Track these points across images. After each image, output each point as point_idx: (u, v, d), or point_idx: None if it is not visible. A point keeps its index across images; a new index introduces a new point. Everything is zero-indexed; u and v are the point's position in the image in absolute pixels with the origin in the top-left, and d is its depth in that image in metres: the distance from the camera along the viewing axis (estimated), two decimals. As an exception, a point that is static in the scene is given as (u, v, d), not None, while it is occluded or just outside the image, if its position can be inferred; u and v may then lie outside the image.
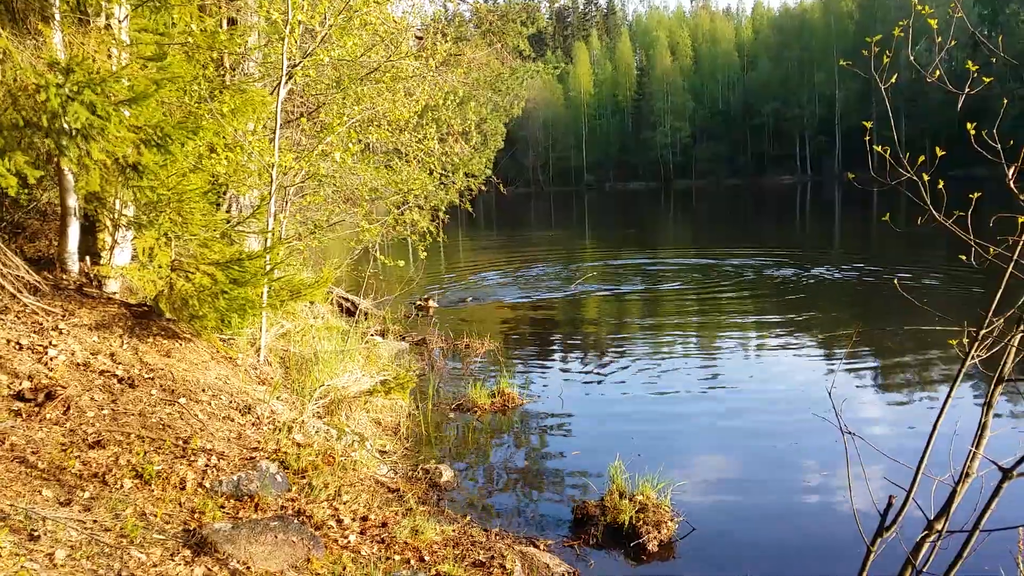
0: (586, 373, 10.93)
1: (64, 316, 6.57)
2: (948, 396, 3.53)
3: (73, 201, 7.22)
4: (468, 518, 5.92)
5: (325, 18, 9.08)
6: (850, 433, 3.69)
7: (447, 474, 6.96)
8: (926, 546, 3.54)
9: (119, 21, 7.26)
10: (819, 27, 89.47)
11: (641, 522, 5.87)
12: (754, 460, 7.54)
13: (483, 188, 17.08)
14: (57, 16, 6.88)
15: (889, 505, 3.57)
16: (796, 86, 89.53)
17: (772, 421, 8.58)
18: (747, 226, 38.73)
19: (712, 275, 19.93)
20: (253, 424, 6.41)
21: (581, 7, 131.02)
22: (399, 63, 11.69)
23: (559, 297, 17.48)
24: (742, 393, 9.64)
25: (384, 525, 5.29)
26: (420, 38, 15.13)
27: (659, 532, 5.84)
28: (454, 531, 5.48)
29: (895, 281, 4.57)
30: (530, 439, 8.35)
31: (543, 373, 11.02)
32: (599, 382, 10.44)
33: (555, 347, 12.85)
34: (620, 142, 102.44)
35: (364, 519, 5.35)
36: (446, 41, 13.95)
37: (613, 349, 12.32)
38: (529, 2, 23.19)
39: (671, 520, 5.96)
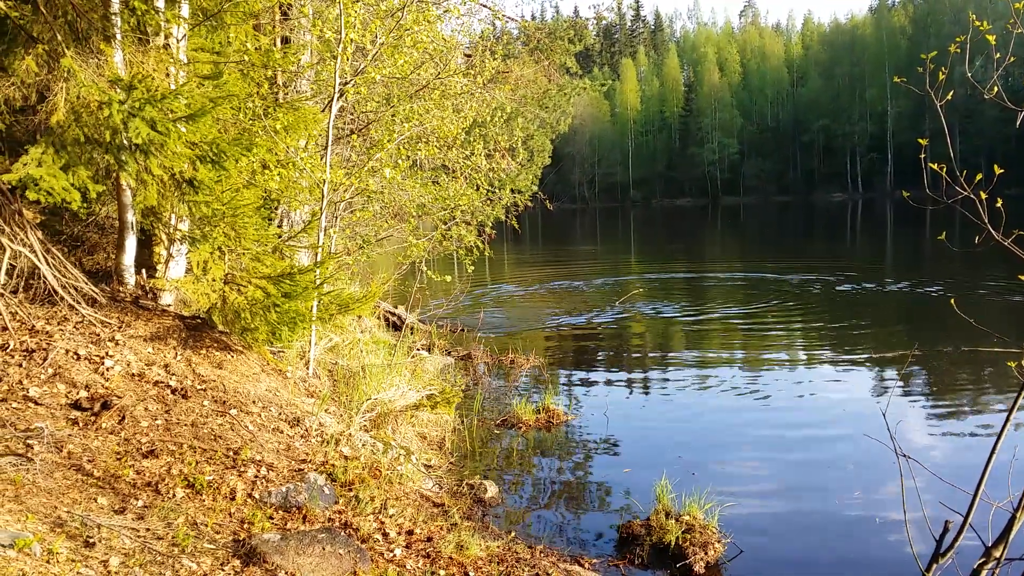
0: (631, 390, 10.86)
1: (120, 327, 6.73)
2: (1007, 419, 3.44)
3: (131, 215, 7.41)
4: (513, 534, 5.91)
5: (376, 37, 9.22)
6: (905, 456, 3.62)
7: (492, 490, 6.96)
8: (983, 573, 3.45)
9: (177, 40, 7.45)
10: (871, 42, 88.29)
11: (687, 543, 5.80)
12: (803, 481, 7.40)
13: (529, 204, 17.11)
14: (118, 36, 7.08)
15: (945, 530, 3.49)
16: (847, 102, 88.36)
17: (822, 441, 8.44)
18: (797, 243, 38.21)
19: (760, 292, 19.71)
20: (302, 436, 6.48)
21: (628, 24, 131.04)
22: (447, 80, 11.82)
23: (604, 313, 17.41)
24: (791, 412, 9.49)
25: (429, 539, 5.30)
26: (469, 56, 15.26)
27: (706, 554, 5.76)
28: (499, 547, 5.47)
29: (951, 301, 4.45)
30: (575, 456, 8.32)
31: (588, 389, 10.98)
32: (644, 399, 10.37)
33: (600, 363, 12.79)
34: (667, 158, 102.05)
35: (410, 533, 5.37)
36: (494, 59, 14.08)
37: (659, 366, 12.23)
38: (577, 19, 23.26)
39: (718, 541, 5.87)
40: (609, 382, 11.41)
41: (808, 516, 6.63)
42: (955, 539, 3.46)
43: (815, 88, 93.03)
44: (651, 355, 13.20)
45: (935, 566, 3.51)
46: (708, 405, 9.89)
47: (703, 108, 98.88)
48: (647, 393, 10.65)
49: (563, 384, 11.23)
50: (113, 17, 6.94)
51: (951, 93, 4.17)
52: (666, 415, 9.63)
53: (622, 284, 22.58)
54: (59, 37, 6.51)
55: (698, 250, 36.96)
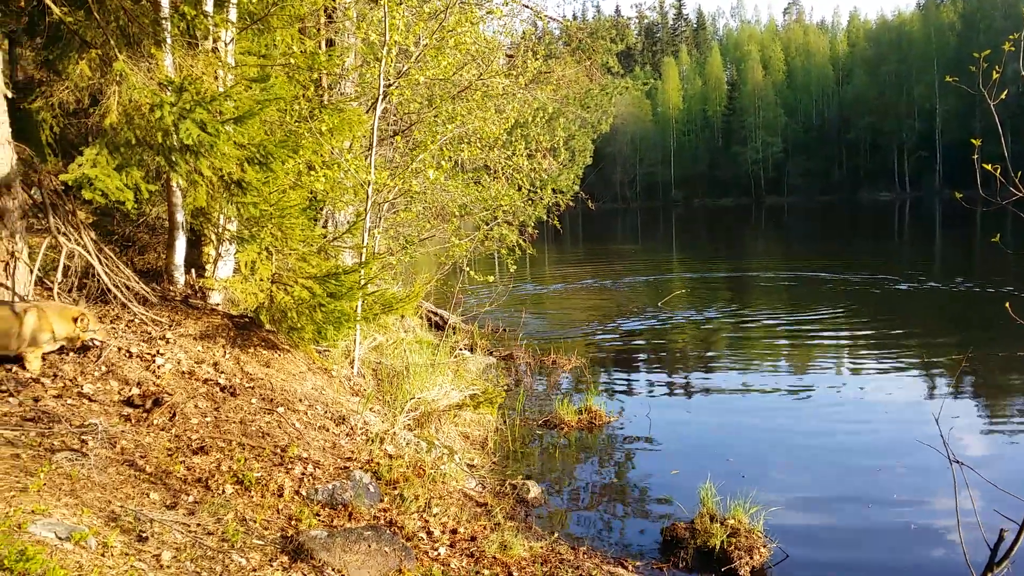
0: (674, 392, 10.79)
1: (171, 326, 6.86)
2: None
3: (181, 216, 7.55)
4: (556, 535, 5.90)
5: (419, 38, 9.28)
6: (958, 462, 3.54)
7: (535, 490, 6.96)
8: (1043, 583, 3.37)
9: (225, 44, 7.57)
10: (918, 39, 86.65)
11: (733, 547, 5.74)
12: (851, 485, 7.28)
13: (571, 204, 17.07)
14: (168, 40, 7.22)
15: (1000, 539, 3.41)
16: (893, 99, 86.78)
17: (870, 444, 8.29)
18: (842, 243, 37.58)
19: (806, 293, 19.44)
20: (347, 434, 6.55)
21: (671, 23, 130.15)
22: (489, 81, 11.84)
23: (646, 314, 17.30)
24: (838, 415, 9.35)
25: (473, 539, 5.32)
26: (511, 56, 15.28)
27: (751, 558, 5.69)
28: (542, 548, 5.47)
29: (1006, 305, 4.33)
30: (617, 457, 8.28)
31: (630, 391, 10.92)
32: (687, 402, 10.29)
33: (642, 365, 12.72)
34: (709, 157, 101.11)
35: (453, 532, 5.40)
36: (536, 59, 14.07)
37: (702, 368, 12.14)
38: (619, 19, 23.14)
39: (764, 546, 5.81)
40: (651, 384, 11.35)
41: (856, 522, 6.52)
42: (1011, 548, 3.38)
43: (861, 85, 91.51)
44: (694, 357, 13.09)
45: (989, 575, 3.43)
46: (752, 408, 9.78)
47: (746, 107, 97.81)
48: (690, 396, 10.57)
49: (605, 385, 11.19)
50: (163, 22, 7.08)
51: (1005, 92, 4.08)
52: (709, 418, 9.54)
53: (664, 284, 22.43)
54: (111, 42, 6.65)
55: (741, 250, 36.58)
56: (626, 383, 11.45)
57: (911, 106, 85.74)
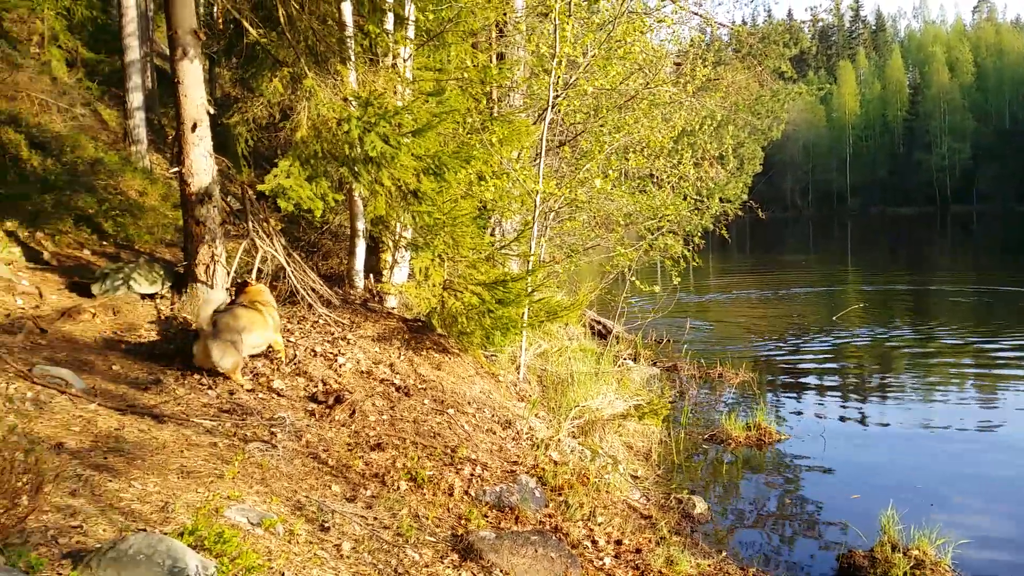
0: (849, 412, 10.26)
1: (351, 328, 7.24)
2: None
3: (361, 224, 7.96)
4: (724, 554, 5.76)
5: (587, 49, 9.34)
6: None
7: (700, 505, 6.82)
8: None
9: (404, 60, 7.93)
10: None
11: (917, 579, 5.40)
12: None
13: (740, 213, 16.63)
14: (352, 57, 7.65)
15: None
16: (1101, 100, 78.85)
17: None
18: (1040, 257, 34.51)
19: (997, 310, 17.98)
20: (513, 439, 6.67)
21: (847, 25, 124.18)
22: (656, 90, 11.75)
23: (818, 328, 16.55)
24: (1036, 444, 8.59)
25: (638, 551, 5.28)
26: (678, 64, 15.09)
27: (937, 591, 5.33)
28: (710, 566, 5.36)
29: None
30: (787, 477, 7.98)
31: (801, 409, 10.48)
32: (863, 423, 9.75)
33: (814, 382, 12.18)
34: (888, 164, 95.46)
35: (618, 543, 5.38)
36: (705, 66, 13.83)
37: (880, 388, 11.49)
38: (792, 22, 22.40)
39: (952, 581, 5.42)
40: (824, 402, 10.84)
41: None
42: None
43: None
44: (871, 376, 12.40)
45: None
46: (936, 433, 9.15)
47: (930, 111, 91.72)
48: (866, 417, 10.02)
49: (774, 402, 10.80)
50: (348, 40, 7.51)
51: None
52: (889, 442, 9.00)
53: (837, 297, 21.39)
54: (301, 60, 7.12)
55: (924, 262, 34.26)
56: (797, 400, 11.00)
57: (1124, 106, 77.65)
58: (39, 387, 4.93)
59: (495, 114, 10.04)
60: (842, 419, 9.94)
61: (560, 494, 5.88)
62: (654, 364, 12.51)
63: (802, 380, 12.31)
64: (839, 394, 11.33)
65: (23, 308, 6.40)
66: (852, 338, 15.31)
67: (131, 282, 6.98)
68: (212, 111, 7.03)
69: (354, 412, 5.92)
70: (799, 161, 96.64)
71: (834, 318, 17.33)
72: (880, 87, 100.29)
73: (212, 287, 6.94)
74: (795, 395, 11.31)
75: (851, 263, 35.82)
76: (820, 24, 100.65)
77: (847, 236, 57.73)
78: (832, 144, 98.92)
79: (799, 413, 10.24)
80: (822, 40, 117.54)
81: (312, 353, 6.64)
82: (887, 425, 9.60)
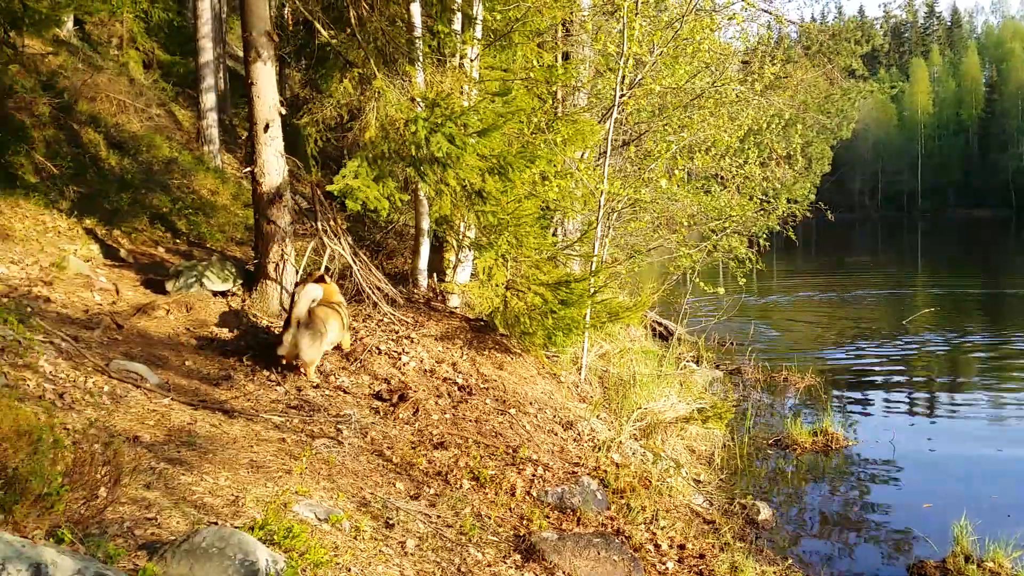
0: (919, 420, 9.98)
1: (415, 326, 7.31)
2: None
3: (426, 223, 8.03)
4: (789, 561, 5.66)
5: (654, 47, 9.25)
6: None
7: (765, 512, 6.71)
8: None
9: (471, 60, 7.96)
10: None
11: (992, 593, 5.23)
12: None
13: (808, 214, 16.27)
14: (420, 58, 7.72)
15: None
16: None
17: None
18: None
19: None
20: (574, 440, 6.65)
21: (921, 22, 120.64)
22: (722, 88, 11.58)
23: (888, 332, 16.12)
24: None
25: (701, 556, 5.22)
26: (746, 62, 14.84)
27: (1014, 607, 5.15)
28: (775, 573, 5.28)
29: None
30: (855, 485, 7.80)
31: (869, 415, 10.22)
32: (935, 431, 9.46)
33: (883, 388, 11.85)
34: (962, 165, 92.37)
35: (681, 547, 5.32)
36: (773, 64, 13.57)
37: (952, 395, 11.14)
38: (864, 19, 21.88)
39: (1030, 596, 5.24)
40: (894, 409, 10.56)
41: None
42: None
43: None
44: (943, 383, 12.03)
45: None
46: (1011, 441, 8.82)
47: (1008, 109, 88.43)
48: (937, 423, 9.73)
49: (840, 408, 10.54)
50: (416, 41, 7.58)
51: None
52: (960, 449, 8.72)
53: (908, 301, 20.80)
54: (371, 61, 7.21)
55: (1001, 265, 33.05)
56: (865, 407, 10.72)
57: None
58: (116, 381, 5.09)
59: (560, 114, 10.03)
60: (912, 426, 9.67)
61: (622, 497, 5.84)
62: (717, 367, 12.34)
63: (870, 386, 11.99)
64: (909, 400, 11.02)
65: (100, 304, 6.62)
66: (923, 343, 14.87)
67: (204, 279, 7.17)
68: (283, 112, 7.17)
69: (417, 410, 5.98)
70: (868, 161, 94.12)
71: (904, 322, 16.85)
72: (955, 85, 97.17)
73: (281, 285, 7.08)
74: (863, 401, 11.03)
75: (921, 266, 34.78)
76: (893, 21, 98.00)
77: (917, 239, 56.06)
78: (903, 144, 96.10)
79: (867, 419, 9.99)
80: (895, 37, 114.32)
81: (377, 351, 6.73)
82: (959, 433, 9.30)
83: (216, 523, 3.45)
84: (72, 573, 2.53)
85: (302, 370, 6.09)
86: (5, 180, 7.71)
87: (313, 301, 6.07)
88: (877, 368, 13.13)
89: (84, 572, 2.56)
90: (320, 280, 6.48)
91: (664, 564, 5.00)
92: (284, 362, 6.10)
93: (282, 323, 6.49)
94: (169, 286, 7.16)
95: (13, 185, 7.71)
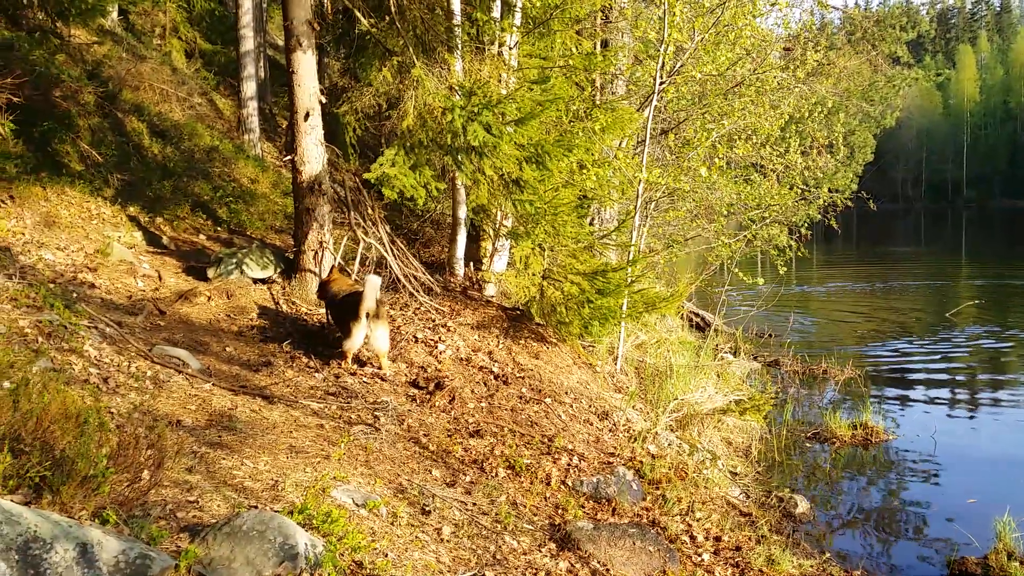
0: (962, 414, 9.79)
1: (451, 315, 7.34)
2: None
3: (463, 212, 8.04)
4: (826, 555, 5.59)
5: (694, 34, 9.15)
6: None
7: (802, 505, 6.64)
8: None
9: (509, 48, 7.93)
10: None
11: (1035, 591, 5.13)
12: None
13: (849, 203, 16.01)
14: (459, 46, 7.71)
15: None
16: None
17: None
18: None
19: None
20: (609, 430, 6.64)
21: (968, 7, 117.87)
22: (764, 76, 11.43)
23: (930, 324, 15.83)
24: None
25: (738, 549, 5.19)
26: (788, 49, 14.62)
27: (1059, 606, 5.05)
28: (812, 567, 5.21)
29: None
30: (895, 479, 7.68)
31: (910, 409, 10.05)
32: (979, 425, 9.29)
33: (924, 381, 11.64)
34: (1010, 154, 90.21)
35: (717, 539, 5.29)
36: (816, 51, 13.35)
37: (994, 388, 10.92)
38: (909, 5, 21.42)
39: (1075, 595, 5.12)
40: (936, 403, 10.36)
41: None
42: None
43: None
44: (987, 377, 11.79)
45: None
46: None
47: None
48: (979, 417, 9.55)
49: (880, 400, 10.38)
50: (455, 29, 7.57)
51: None
52: (1002, 444, 8.55)
53: (950, 292, 20.40)
54: (410, 49, 7.21)
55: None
56: (906, 400, 10.55)
57: None
58: (158, 366, 5.18)
59: (598, 101, 9.96)
60: (954, 421, 9.50)
61: (657, 487, 5.82)
62: (755, 358, 12.22)
63: (911, 378, 11.79)
64: (951, 394, 10.82)
65: (144, 290, 6.74)
66: (966, 336, 14.58)
67: (244, 267, 7.26)
68: (323, 100, 7.21)
69: (453, 398, 6.00)
70: (912, 150, 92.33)
71: (947, 315, 16.54)
72: (1003, 72, 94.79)
73: (318, 273, 7.14)
74: (903, 394, 10.85)
75: (965, 257, 34.08)
76: (939, 6, 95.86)
77: (962, 229, 54.91)
78: (948, 132, 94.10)
79: (907, 413, 9.83)
80: (941, 23, 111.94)
81: (414, 339, 6.76)
82: (1003, 428, 9.12)
83: (256, 507, 3.50)
84: (116, 554, 2.58)
85: (373, 362, 6.22)
86: (52, 168, 7.86)
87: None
88: (918, 361, 12.89)
89: (128, 553, 2.61)
90: (343, 271, 6.56)
91: (700, 556, 4.98)
92: (348, 354, 6.16)
93: (325, 312, 6.57)
94: (210, 273, 7.26)
95: (59, 173, 7.86)
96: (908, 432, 8.86)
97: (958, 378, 11.82)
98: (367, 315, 5.94)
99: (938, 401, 10.49)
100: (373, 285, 5.95)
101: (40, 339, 4.84)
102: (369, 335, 6.00)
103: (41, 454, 3.03)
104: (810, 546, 5.90)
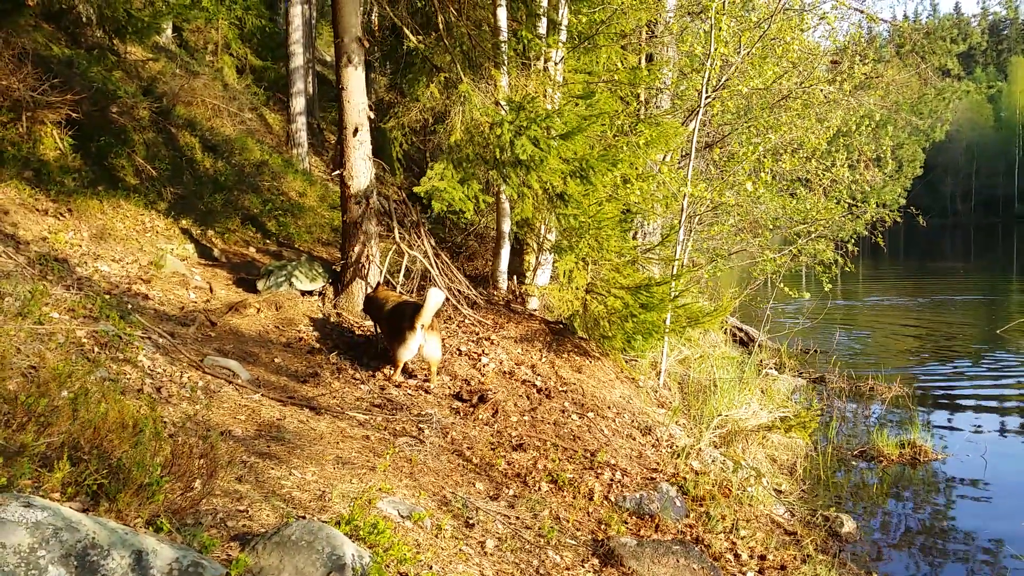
0: (1012, 432, 9.55)
1: (495, 328, 7.38)
2: None
3: (507, 226, 8.09)
4: (874, 576, 5.51)
5: (740, 48, 9.12)
6: None
7: (848, 524, 6.53)
8: None
9: (555, 64, 7.99)
10: None
11: (1093, 619, 4.99)
12: None
13: (898, 218, 15.76)
14: (506, 62, 7.78)
15: None
16: None
17: None
18: None
19: None
20: (652, 445, 6.61)
21: (1022, 19, 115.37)
22: (810, 89, 11.34)
23: (979, 341, 15.48)
24: None
25: (783, 568, 5.13)
26: (835, 62, 14.47)
27: (1118, 635, 4.91)
28: (859, 588, 5.14)
29: None
30: (944, 499, 7.52)
31: (960, 428, 9.82)
32: (1031, 445, 9.07)
33: (974, 399, 11.37)
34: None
35: (762, 558, 5.24)
36: (864, 64, 13.21)
37: (1051, 408, 10.64)
38: (960, 16, 21.08)
39: None
40: (986, 423, 10.11)
41: None
42: None
43: None
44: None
45: None
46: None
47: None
48: (1033, 438, 9.32)
49: (929, 419, 10.17)
50: (502, 45, 7.64)
51: None
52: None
53: (1001, 309, 19.93)
54: (457, 65, 7.30)
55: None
56: (955, 419, 10.32)
57: None
58: (209, 377, 5.29)
59: (643, 116, 9.97)
60: (1004, 439, 9.28)
61: (701, 504, 5.78)
62: (800, 375, 12.07)
63: (960, 396, 11.54)
64: (1001, 413, 10.56)
65: (195, 302, 6.89)
66: (1017, 353, 14.23)
67: (293, 279, 7.38)
68: (371, 116, 7.32)
69: (496, 412, 6.03)
70: (961, 164, 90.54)
71: (997, 331, 16.16)
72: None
73: (365, 286, 7.24)
74: (953, 413, 10.62)
75: (1016, 273, 33.25)
76: (990, 18, 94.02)
77: (1013, 245, 53.59)
78: (999, 146, 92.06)
79: (956, 432, 9.61)
80: (992, 34, 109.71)
81: (458, 352, 6.81)
82: (1060, 451, 8.89)
83: (304, 517, 3.56)
84: (170, 561, 2.65)
85: (422, 372, 6.36)
86: (108, 182, 8.08)
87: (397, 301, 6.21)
88: (967, 379, 12.61)
89: (181, 561, 2.67)
90: (387, 285, 6.65)
91: (744, 574, 4.93)
92: (400, 363, 6.26)
93: (372, 325, 6.66)
94: (260, 285, 7.40)
95: (115, 186, 8.08)
96: (957, 452, 8.67)
97: (1009, 397, 11.54)
98: (420, 327, 6.01)
99: (988, 420, 10.25)
100: (436, 298, 6.03)
101: (96, 349, 4.97)
102: (423, 344, 6.08)
103: (98, 462, 3.12)
104: (856, 567, 5.81)
